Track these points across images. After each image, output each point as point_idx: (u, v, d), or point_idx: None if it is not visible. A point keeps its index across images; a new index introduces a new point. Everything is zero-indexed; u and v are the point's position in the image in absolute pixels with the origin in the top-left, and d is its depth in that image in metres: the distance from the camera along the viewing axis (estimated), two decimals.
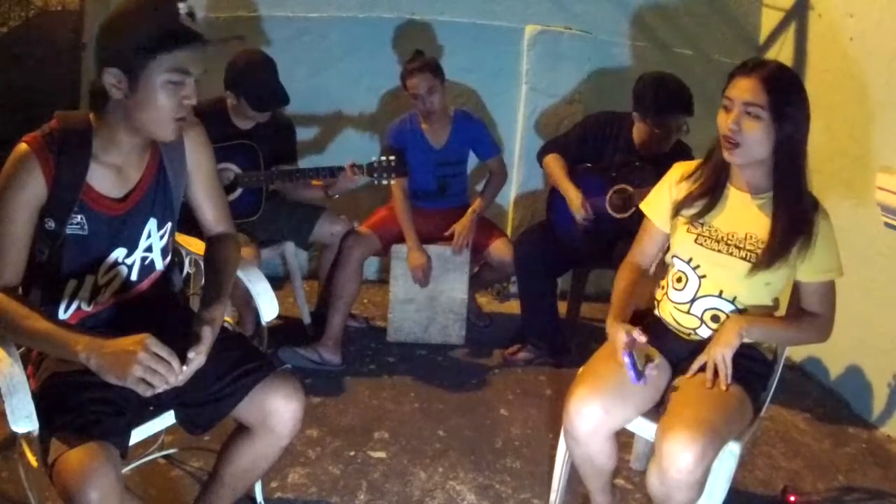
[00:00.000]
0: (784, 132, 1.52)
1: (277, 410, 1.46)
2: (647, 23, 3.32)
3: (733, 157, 1.56)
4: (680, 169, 1.77)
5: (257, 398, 1.46)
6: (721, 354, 1.57)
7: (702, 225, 1.68)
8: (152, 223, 1.48)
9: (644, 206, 1.83)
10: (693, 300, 1.69)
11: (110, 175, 1.41)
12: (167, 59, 1.29)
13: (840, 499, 2.18)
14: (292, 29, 3.17)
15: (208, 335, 1.36)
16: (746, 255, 1.61)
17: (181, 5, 1.30)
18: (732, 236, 1.64)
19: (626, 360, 1.54)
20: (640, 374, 1.55)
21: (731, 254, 1.63)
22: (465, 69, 3.23)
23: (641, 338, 1.56)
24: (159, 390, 1.24)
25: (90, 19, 3.22)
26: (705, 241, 1.66)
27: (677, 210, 1.71)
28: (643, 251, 1.82)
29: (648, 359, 1.61)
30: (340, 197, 2.59)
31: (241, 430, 1.54)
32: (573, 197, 2.60)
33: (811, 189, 1.62)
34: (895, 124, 2.52)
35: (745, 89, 1.53)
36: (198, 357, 1.32)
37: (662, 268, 1.82)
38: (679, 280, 1.72)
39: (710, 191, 1.67)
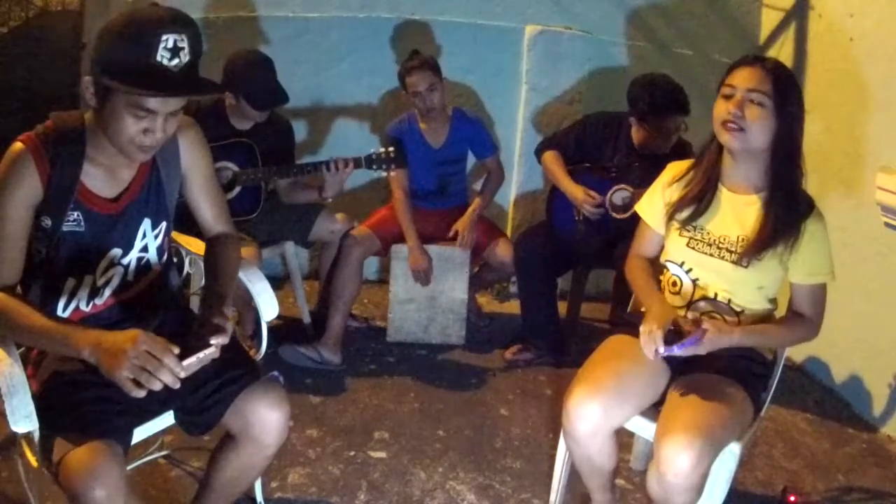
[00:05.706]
0: (783, 125, 1.53)
1: (261, 420, 1.44)
2: (647, 23, 3.32)
3: (735, 141, 1.54)
4: (672, 170, 1.76)
5: (241, 407, 1.44)
6: (715, 336, 1.50)
7: (694, 228, 1.67)
8: (147, 223, 1.48)
9: (639, 208, 1.82)
10: (689, 304, 1.69)
11: (102, 175, 1.41)
12: (128, 93, 1.26)
13: (840, 499, 2.18)
14: (292, 29, 3.17)
15: (229, 328, 1.34)
16: (738, 258, 1.60)
17: (168, 37, 1.23)
18: (724, 239, 1.63)
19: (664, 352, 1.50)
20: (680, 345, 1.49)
21: (722, 257, 1.62)
22: (465, 69, 3.23)
23: (661, 348, 1.50)
24: (156, 388, 1.21)
25: (90, 19, 3.22)
26: (697, 244, 1.66)
27: (671, 214, 1.70)
28: (644, 249, 1.82)
29: (675, 330, 1.56)
30: (341, 196, 2.58)
31: (228, 438, 1.52)
32: (575, 192, 2.60)
33: (810, 189, 1.62)
34: (895, 124, 2.52)
35: (748, 77, 1.53)
36: (215, 349, 1.29)
37: (658, 269, 1.81)
38: (674, 284, 1.71)
39: (702, 193, 1.65)
